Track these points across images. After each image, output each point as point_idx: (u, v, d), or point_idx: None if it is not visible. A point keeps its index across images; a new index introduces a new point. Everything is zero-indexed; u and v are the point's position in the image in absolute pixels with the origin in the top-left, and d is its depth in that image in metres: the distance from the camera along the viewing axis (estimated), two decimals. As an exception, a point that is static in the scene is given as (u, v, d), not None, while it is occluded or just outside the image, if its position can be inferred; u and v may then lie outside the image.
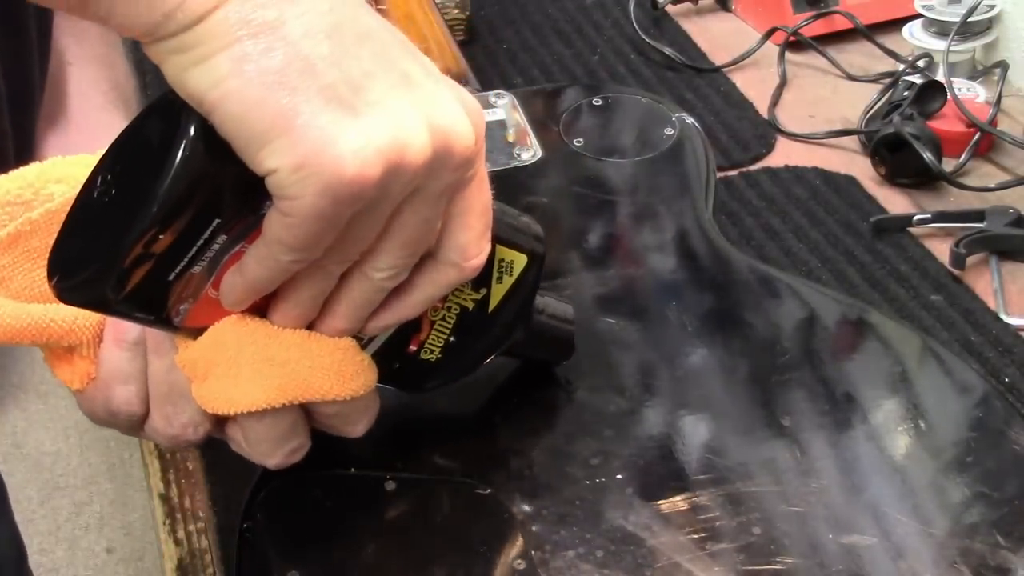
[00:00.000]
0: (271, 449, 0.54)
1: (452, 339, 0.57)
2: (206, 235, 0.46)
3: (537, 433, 0.64)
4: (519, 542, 0.58)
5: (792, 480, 0.61)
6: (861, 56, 1.11)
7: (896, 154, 0.93)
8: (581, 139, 0.86)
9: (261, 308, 0.51)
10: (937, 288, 0.83)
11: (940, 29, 1.05)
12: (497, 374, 0.66)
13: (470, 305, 0.56)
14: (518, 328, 0.59)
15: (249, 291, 0.48)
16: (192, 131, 0.43)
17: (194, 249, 0.46)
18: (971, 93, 1.02)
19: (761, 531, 0.58)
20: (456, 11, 1.13)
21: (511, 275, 0.57)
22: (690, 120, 0.88)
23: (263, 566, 0.58)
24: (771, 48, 1.12)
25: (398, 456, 0.62)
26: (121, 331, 0.54)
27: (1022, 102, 1.04)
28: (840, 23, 1.13)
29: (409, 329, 0.55)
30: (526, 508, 0.59)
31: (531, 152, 0.84)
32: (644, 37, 1.12)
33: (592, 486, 0.60)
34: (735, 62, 1.11)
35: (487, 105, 0.88)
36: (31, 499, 1.77)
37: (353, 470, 0.61)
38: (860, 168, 0.96)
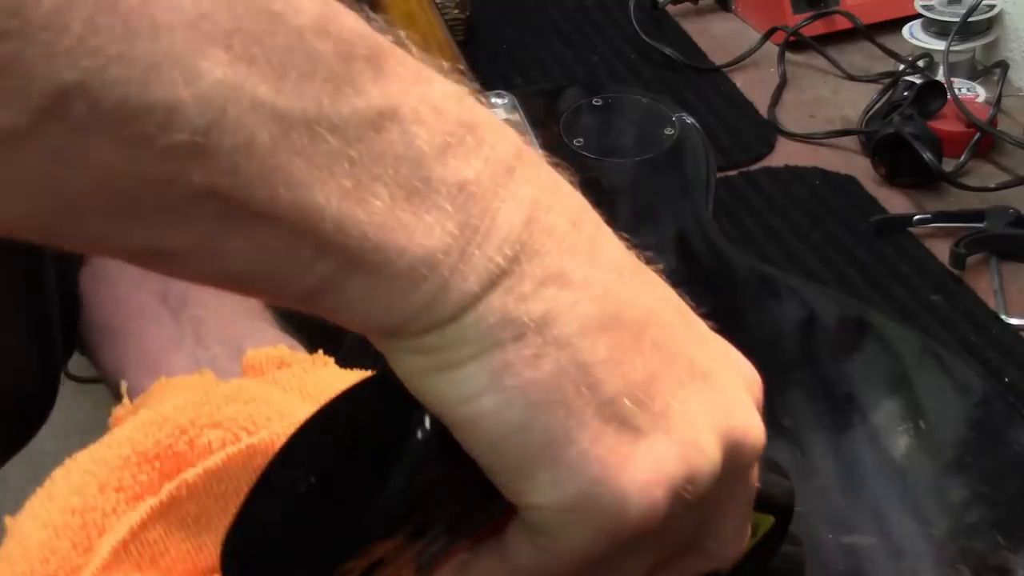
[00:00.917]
0: None
1: None
2: (426, 539, 0.37)
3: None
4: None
5: (792, 480, 0.60)
6: (861, 56, 1.11)
7: (896, 154, 0.93)
8: (581, 139, 0.86)
9: None
10: (937, 288, 0.83)
11: (940, 29, 1.05)
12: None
13: None
14: None
15: None
16: (425, 433, 0.35)
17: (409, 554, 0.37)
18: (971, 93, 1.02)
19: (761, 531, 0.58)
20: (456, 11, 1.13)
21: (754, 536, 0.46)
22: (690, 120, 0.88)
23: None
24: (771, 48, 1.12)
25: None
26: None
27: (1022, 102, 1.04)
28: (840, 23, 1.12)
29: None
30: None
31: (531, 152, 0.84)
32: (644, 37, 1.12)
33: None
34: (735, 62, 1.11)
35: (487, 105, 0.87)
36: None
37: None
38: (860, 168, 0.96)
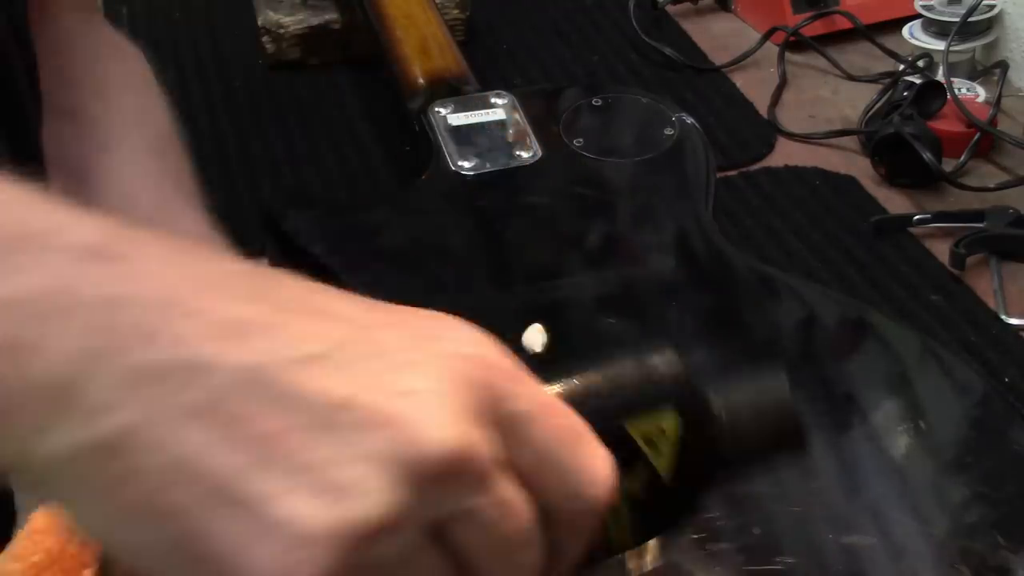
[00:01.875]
0: None
1: (641, 527, 0.44)
2: None
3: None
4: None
5: (792, 480, 0.61)
6: (861, 56, 1.11)
7: (896, 154, 0.93)
8: (581, 139, 0.86)
9: None
10: (937, 288, 0.83)
11: (940, 29, 1.05)
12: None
13: (641, 496, 0.43)
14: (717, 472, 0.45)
15: None
16: None
17: None
18: (971, 93, 1.02)
19: (761, 531, 0.58)
20: (456, 11, 1.13)
21: (657, 451, 0.42)
22: (690, 120, 0.88)
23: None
24: (771, 48, 1.12)
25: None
26: None
27: (1022, 102, 1.04)
28: (840, 23, 1.13)
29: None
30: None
31: (531, 152, 0.84)
32: (644, 37, 1.12)
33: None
34: (735, 62, 1.11)
35: (487, 105, 0.87)
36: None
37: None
38: (860, 168, 0.96)
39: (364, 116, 1.05)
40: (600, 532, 0.41)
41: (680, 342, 0.69)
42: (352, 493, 0.31)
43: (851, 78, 1.08)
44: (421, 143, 0.85)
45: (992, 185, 0.92)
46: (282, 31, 1.10)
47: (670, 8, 1.19)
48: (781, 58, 1.10)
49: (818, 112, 1.04)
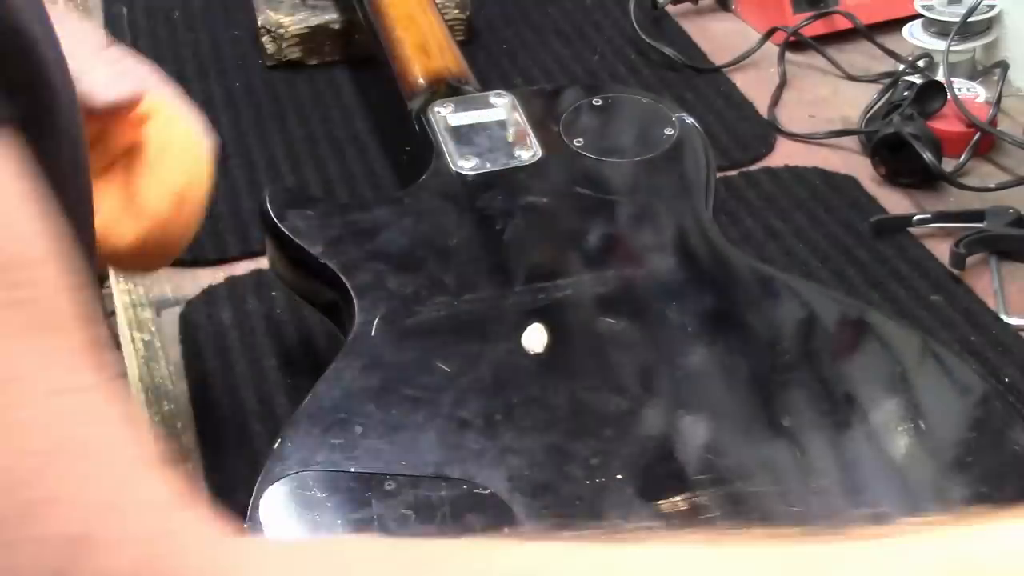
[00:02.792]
0: None
1: None
2: None
3: (537, 433, 0.64)
4: (519, 542, 0.58)
5: (792, 480, 0.61)
6: (861, 56, 1.11)
7: (896, 154, 0.93)
8: (581, 139, 0.86)
9: None
10: (937, 288, 0.83)
11: (940, 29, 1.05)
12: (498, 373, 0.66)
13: None
14: None
15: None
16: None
17: None
18: (971, 93, 1.02)
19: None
20: (456, 11, 1.13)
21: None
22: (690, 120, 0.88)
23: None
24: (771, 48, 1.12)
25: (398, 456, 0.62)
26: None
27: (1022, 102, 1.04)
28: (840, 23, 1.13)
29: None
30: (526, 508, 0.59)
31: (531, 152, 0.84)
32: (644, 37, 1.12)
33: (592, 486, 0.60)
34: (735, 62, 1.11)
35: (487, 105, 0.87)
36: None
37: (353, 470, 0.61)
38: (860, 168, 0.96)
39: (364, 116, 1.05)
40: None
41: (680, 342, 0.69)
42: None
43: (851, 78, 1.08)
44: (421, 143, 0.85)
45: (992, 185, 0.92)
46: (282, 31, 1.10)
47: (670, 8, 1.19)
48: (781, 58, 1.10)
49: (818, 112, 1.04)
